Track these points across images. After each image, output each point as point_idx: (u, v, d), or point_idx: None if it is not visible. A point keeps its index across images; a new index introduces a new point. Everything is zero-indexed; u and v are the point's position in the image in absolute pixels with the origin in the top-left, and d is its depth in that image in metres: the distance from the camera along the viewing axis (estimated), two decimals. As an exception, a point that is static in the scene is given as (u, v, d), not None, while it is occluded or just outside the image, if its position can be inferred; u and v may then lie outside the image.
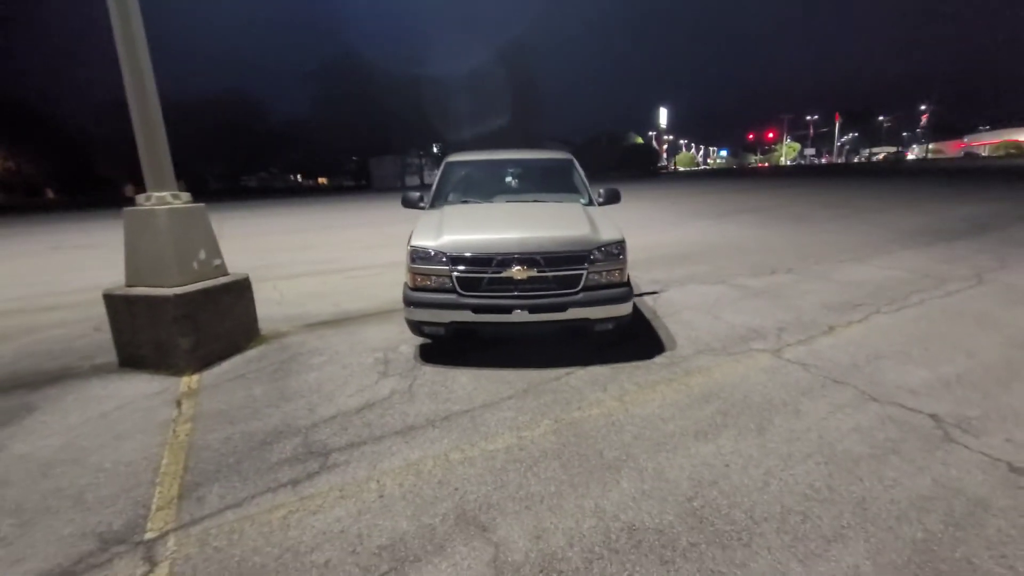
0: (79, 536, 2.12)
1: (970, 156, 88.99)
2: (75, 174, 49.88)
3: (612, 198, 4.92)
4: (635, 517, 2.12)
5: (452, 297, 3.55)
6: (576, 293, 3.56)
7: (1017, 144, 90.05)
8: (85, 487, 2.47)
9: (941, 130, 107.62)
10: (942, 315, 4.59)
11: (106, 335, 4.58)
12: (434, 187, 4.99)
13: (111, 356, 4.12)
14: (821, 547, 1.92)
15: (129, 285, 3.93)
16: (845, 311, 4.80)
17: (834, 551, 1.90)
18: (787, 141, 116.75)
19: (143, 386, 3.64)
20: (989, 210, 12.26)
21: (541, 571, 1.85)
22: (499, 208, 4.55)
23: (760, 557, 1.88)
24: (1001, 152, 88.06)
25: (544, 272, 3.52)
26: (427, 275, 3.61)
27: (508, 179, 5.35)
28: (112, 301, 3.86)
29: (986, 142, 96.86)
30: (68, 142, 48.94)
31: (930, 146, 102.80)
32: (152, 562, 1.96)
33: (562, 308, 3.52)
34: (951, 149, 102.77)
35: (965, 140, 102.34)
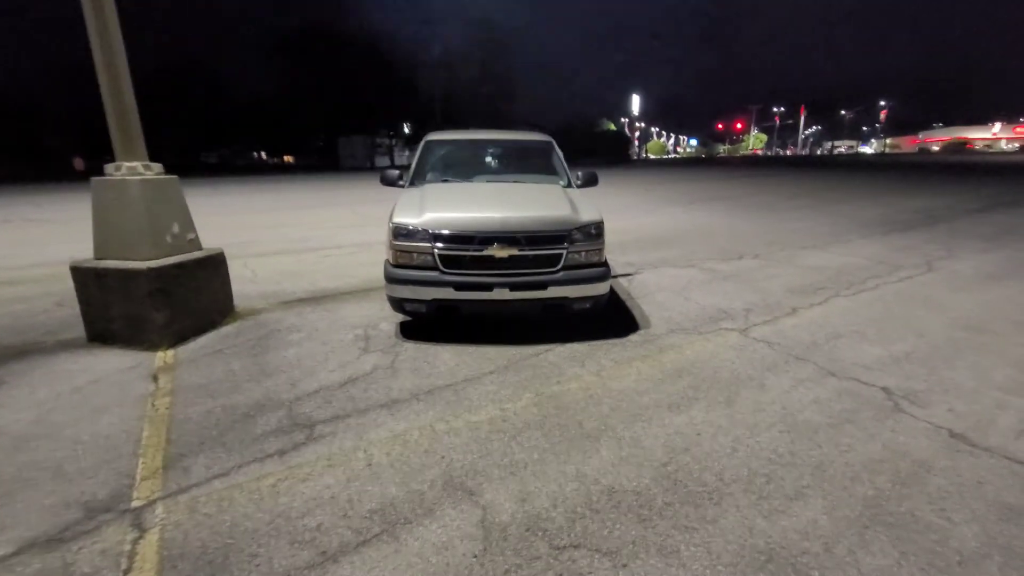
0: (62, 506, 2.11)
1: (924, 152, 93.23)
2: (18, 145, 46.66)
3: (590, 181, 5.02)
4: (614, 481, 2.25)
5: (434, 274, 3.59)
6: (556, 272, 3.65)
7: (965, 141, 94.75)
8: (63, 459, 2.44)
9: (898, 126, 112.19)
10: (895, 299, 4.89)
11: (70, 310, 4.44)
12: (413, 165, 4.97)
13: (78, 332, 4.00)
14: (784, 504, 2.09)
15: (98, 258, 3.80)
16: (807, 294, 5.06)
17: (795, 508, 2.07)
18: (755, 132, 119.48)
19: (116, 361, 3.56)
20: (939, 203, 12.95)
21: (527, 530, 1.96)
22: (480, 187, 4.58)
23: (729, 514, 2.04)
24: (952, 149, 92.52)
25: (525, 251, 3.59)
26: (409, 252, 3.63)
27: (488, 159, 5.37)
28: (80, 274, 3.74)
29: (939, 139, 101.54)
30: (9, 110, 45.62)
31: (888, 141, 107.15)
32: (141, 528, 1.98)
33: (542, 286, 3.61)
34: (907, 144, 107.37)
35: (920, 136, 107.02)
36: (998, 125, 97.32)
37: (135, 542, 1.90)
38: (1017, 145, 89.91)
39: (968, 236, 8.26)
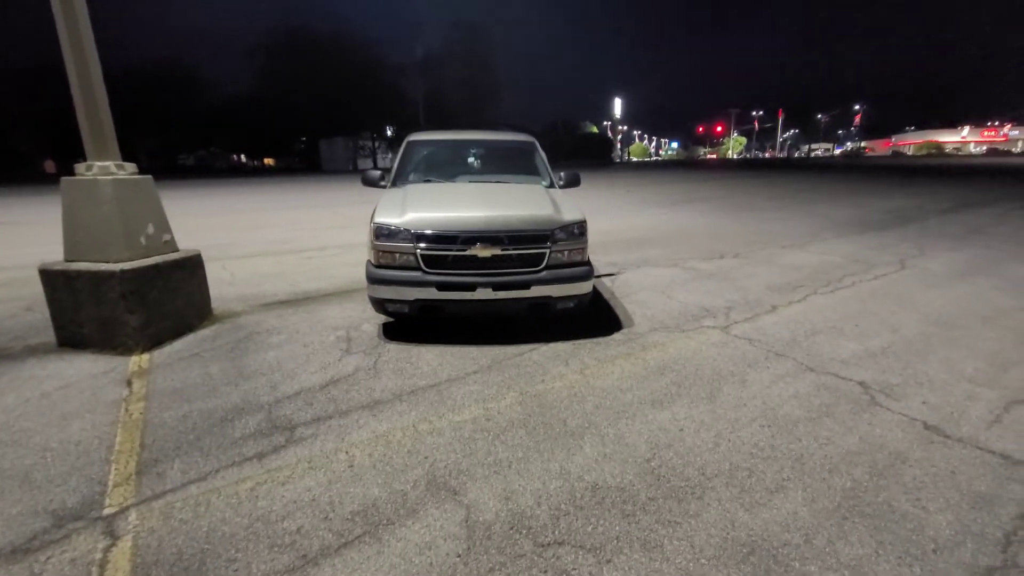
0: (30, 514, 2.03)
1: (897, 154, 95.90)
2: (-14, 147, 45.11)
3: (572, 181, 5.04)
4: (598, 477, 2.25)
5: (416, 274, 3.56)
6: (539, 271, 3.64)
7: (937, 144, 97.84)
8: (31, 467, 2.35)
9: (872, 129, 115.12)
10: (870, 296, 5.00)
11: (39, 315, 4.31)
12: (395, 166, 4.93)
13: (47, 336, 3.88)
14: (765, 497, 2.11)
15: (68, 260, 3.68)
16: (786, 292, 5.15)
17: (776, 500, 2.10)
18: (734, 135, 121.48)
19: (87, 366, 3.46)
20: (911, 204, 13.31)
21: (511, 528, 1.95)
22: (463, 187, 4.57)
23: (711, 508, 2.05)
24: (924, 151, 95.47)
25: (508, 250, 3.58)
26: (391, 252, 3.60)
27: (471, 159, 5.35)
28: (50, 277, 3.62)
29: (911, 142, 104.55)
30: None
31: (863, 144, 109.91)
32: (113, 536, 1.91)
33: (525, 286, 3.60)
34: (880, 147, 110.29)
35: (893, 139, 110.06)
36: (967, 129, 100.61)
37: (106, 550, 1.84)
38: (985, 148, 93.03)
39: (939, 235, 8.49)
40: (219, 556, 1.81)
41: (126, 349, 3.61)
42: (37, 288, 3.87)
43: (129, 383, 3.21)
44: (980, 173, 28.12)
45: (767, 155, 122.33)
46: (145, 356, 3.60)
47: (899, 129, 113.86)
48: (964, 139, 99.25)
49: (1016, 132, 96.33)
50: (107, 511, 2.06)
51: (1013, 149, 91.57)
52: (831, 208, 12.70)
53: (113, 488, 2.20)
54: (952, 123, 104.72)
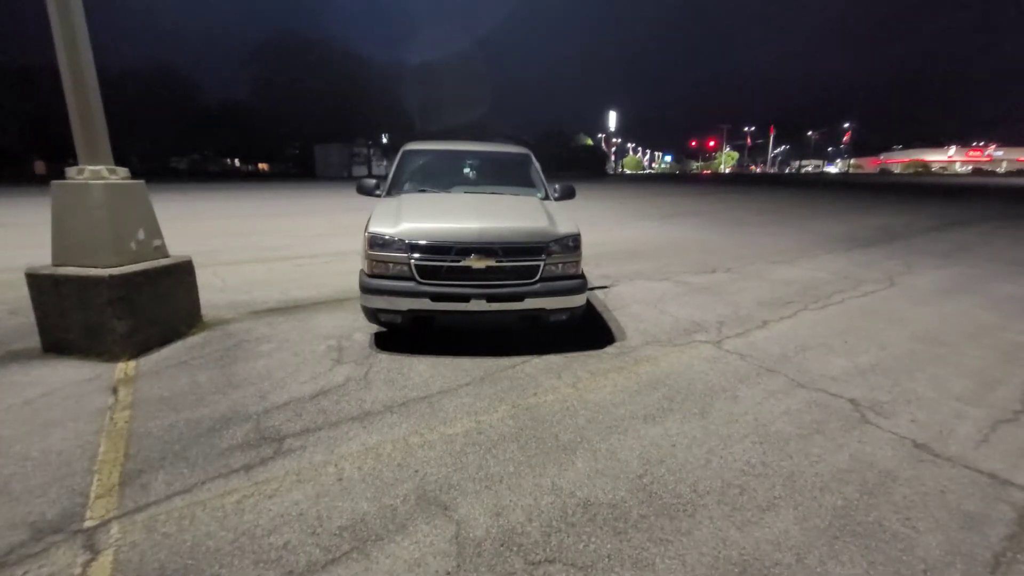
0: (6, 527, 1.98)
1: (885, 172, 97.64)
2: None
3: (567, 194, 5.06)
4: (590, 493, 2.23)
5: (410, 285, 3.54)
6: (533, 284, 3.64)
7: (923, 163, 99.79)
8: (10, 477, 2.29)
9: (861, 147, 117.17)
10: (859, 312, 5.05)
11: (25, 319, 4.24)
12: (391, 175, 4.93)
13: (32, 341, 3.80)
14: (756, 515, 2.11)
15: (56, 264, 3.63)
16: (777, 307, 5.19)
17: (767, 519, 2.09)
18: (726, 150, 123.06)
19: (72, 372, 3.39)
20: (898, 221, 13.52)
21: (502, 545, 1.92)
22: (458, 198, 4.57)
23: (703, 526, 2.04)
24: (911, 170, 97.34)
25: (502, 262, 3.58)
26: (385, 262, 3.58)
27: (466, 170, 5.37)
28: (36, 281, 3.56)
29: (899, 160, 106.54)
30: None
31: (851, 161, 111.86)
32: (94, 550, 1.86)
33: (519, 298, 3.60)
34: (869, 165, 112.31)
35: (881, 158, 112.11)
36: (953, 148, 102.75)
37: (86, 565, 1.79)
38: (970, 168, 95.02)
39: (925, 253, 8.62)
40: (202, 572, 1.77)
41: (112, 356, 3.55)
42: (22, 292, 3.81)
43: (115, 391, 3.15)
44: (965, 192, 28.65)
45: (758, 169, 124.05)
46: (132, 363, 3.55)
47: (887, 147, 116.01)
48: (950, 158, 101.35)
49: (1000, 153, 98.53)
50: (88, 524, 2.00)
51: (997, 169, 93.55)
52: (820, 224, 12.86)
53: (95, 500, 2.15)
54: (938, 143, 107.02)
